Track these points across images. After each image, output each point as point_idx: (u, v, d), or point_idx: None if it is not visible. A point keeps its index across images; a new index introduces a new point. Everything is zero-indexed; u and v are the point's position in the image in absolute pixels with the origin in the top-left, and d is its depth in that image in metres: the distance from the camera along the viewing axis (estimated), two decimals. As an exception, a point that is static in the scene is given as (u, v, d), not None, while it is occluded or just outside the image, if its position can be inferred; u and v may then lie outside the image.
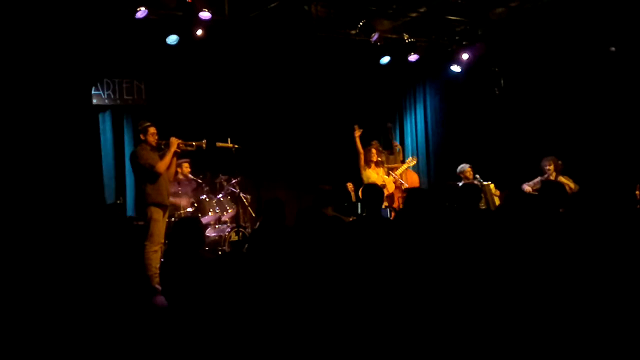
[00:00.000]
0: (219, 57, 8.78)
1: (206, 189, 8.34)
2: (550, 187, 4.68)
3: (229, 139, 7.57)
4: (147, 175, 6.66)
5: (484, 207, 7.71)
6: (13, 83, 6.43)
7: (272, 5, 7.74)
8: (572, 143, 8.73)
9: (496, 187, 8.41)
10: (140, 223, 7.09)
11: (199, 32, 7.56)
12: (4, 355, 4.24)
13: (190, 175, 8.21)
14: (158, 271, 6.24)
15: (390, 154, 9.53)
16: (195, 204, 8.13)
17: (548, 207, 4.39)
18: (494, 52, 9.38)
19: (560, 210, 4.42)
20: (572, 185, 7.67)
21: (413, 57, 9.07)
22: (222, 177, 8.51)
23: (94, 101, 8.35)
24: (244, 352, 3.60)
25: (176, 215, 7.68)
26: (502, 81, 9.72)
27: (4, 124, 6.37)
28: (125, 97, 8.79)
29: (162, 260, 6.19)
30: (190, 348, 3.77)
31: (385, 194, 7.10)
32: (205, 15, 7.27)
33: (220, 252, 7.87)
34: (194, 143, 7.03)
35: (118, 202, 8.32)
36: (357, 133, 8.35)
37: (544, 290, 3.56)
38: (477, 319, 3.48)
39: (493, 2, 8.35)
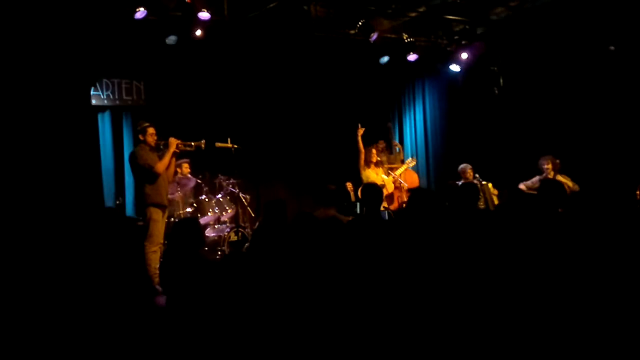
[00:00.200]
0: (218, 58, 8.78)
1: (205, 189, 8.34)
2: (550, 187, 4.66)
3: (228, 139, 7.58)
4: (146, 176, 6.66)
5: (482, 207, 7.71)
6: (12, 83, 6.43)
7: (271, 5, 7.74)
8: (572, 143, 8.72)
9: (494, 186, 8.41)
10: (140, 223, 7.09)
11: (198, 32, 7.56)
12: (4, 356, 4.24)
13: (189, 176, 8.22)
14: (157, 271, 6.25)
15: (390, 153, 9.54)
16: (195, 204, 8.13)
17: (547, 207, 4.38)
18: (493, 51, 9.38)
19: (560, 210, 4.41)
20: (570, 184, 7.65)
21: (412, 57, 9.05)
22: (222, 177, 8.51)
23: (93, 101, 8.35)
24: (244, 352, 3.59)
25: (176, 216, 7.68)
26: (501, 81, 9.71)
27: (3, 124, 6.37)
28: (124, 97, 8.79)
29: (160, 260, 6.19)
30: (190, 348, 3.76)
31: (384, 194, 7.09)
32: (204, 15, 7.26)
33: (219, 252, 7.87)
34: (193, 143, 7.03)
35: (117, 202, 8.32)
36: (360, 132, 8.35)
37: (543, 289, 3.55)
38: (477, 319, 3.47)
39: (493, 2, 8.35)
